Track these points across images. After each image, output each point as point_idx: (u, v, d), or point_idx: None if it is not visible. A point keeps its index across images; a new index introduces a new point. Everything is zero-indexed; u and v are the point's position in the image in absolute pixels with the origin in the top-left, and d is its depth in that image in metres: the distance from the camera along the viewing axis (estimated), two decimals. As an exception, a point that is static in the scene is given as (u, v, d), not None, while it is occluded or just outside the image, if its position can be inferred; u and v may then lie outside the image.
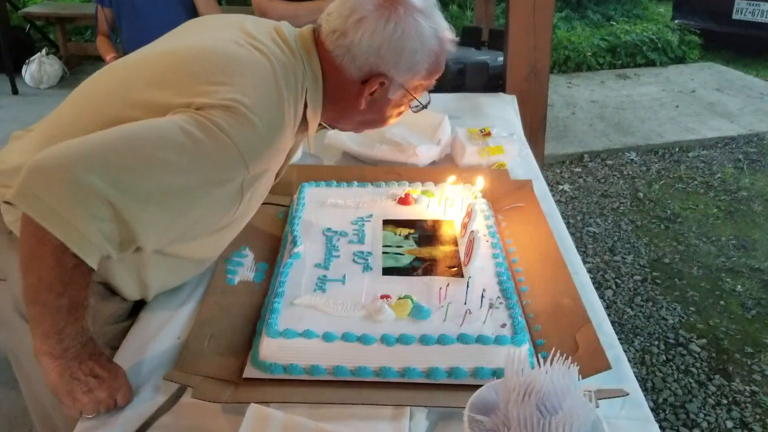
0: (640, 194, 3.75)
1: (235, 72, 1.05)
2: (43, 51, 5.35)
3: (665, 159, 4.23)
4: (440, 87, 3.05)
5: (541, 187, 1.73)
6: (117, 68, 1.18)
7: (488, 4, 5.07)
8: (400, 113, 1.29)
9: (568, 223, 3.43)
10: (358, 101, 1.18)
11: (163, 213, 0.96)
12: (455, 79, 2.97)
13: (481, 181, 1.58)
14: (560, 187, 3.87)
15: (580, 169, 4.11)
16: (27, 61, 5.26)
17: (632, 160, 4.22)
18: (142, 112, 1.01)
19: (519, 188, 1.65)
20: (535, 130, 2.49)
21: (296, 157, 1.83)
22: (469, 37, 3.64)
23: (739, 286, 2.90)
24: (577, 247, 3.22)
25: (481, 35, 3.67)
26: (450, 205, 1.49)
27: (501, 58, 2.63)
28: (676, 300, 2.82)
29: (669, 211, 3.55)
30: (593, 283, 2.87)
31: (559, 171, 4.09)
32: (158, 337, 1.17)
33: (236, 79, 1.03)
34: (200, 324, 1.16)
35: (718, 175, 3.98)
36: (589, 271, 3.00)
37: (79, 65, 5.84)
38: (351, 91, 1.17)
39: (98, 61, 5.82)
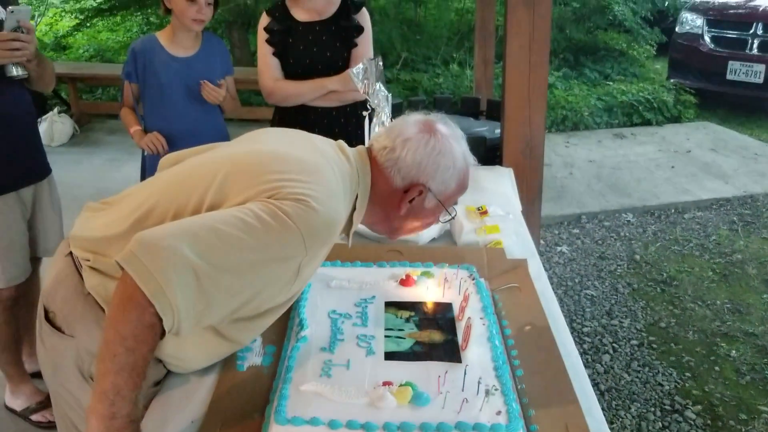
0: (637, 256, 3.83)
1: (306, 171, 1.25)
2: (55, 110, 5.52)
3: (661, 220, 4.32)
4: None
5: (536, 266, 1.81)
6: (200, 162, 1.37)
7: (487, 67, 5.25)
8: (428, 224, 1.52)
9: (566, 286, 3.52)
10: (400, 206, 1.41)
11: (235, 281, 1.11)
12: (455, 151, 3.08)
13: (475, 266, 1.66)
14: (558, 248, 3.96)
15: (577, 230, 4.20)
16: (39, 119, 5.43)
17: (629, 221, 4.31)
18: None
19: (514, 268, 1.73)
20: (531, 200, 2.59)
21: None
22: (468, 107, 3.78)
23: (734, 351, 2.95)
24: (575, 310, 3.31)
25: (479, 105, 3.80)
26: (449, 287, 1.57)
27: (498, 130, 2.74)
28: (672, 365, 2.87)
29: (665, 274, 3.63)
30: (591, 348, 2.93)
31: (557, 232, 4.18)
32: (175, 417, 1.24)
33: (307, 178, 1.23)
34: (213, 412, 1.23)
35: (713, 237, 4.07)
36: (587, 335, 3.07)
37: (89, 123, 6.01)
38: (395, 198, 1.41)
39: (109, 118, 6.00)
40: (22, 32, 2.06)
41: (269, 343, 1.44)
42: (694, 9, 7.23)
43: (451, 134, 1.42)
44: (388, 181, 1.39)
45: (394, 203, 1.41)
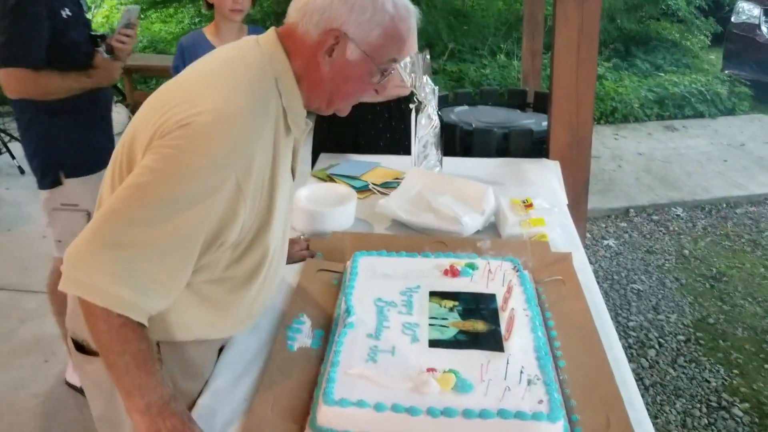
0: (686, 251, 3.77)
1: (190, 89, 1.17)
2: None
3: (712, 215, 4.24)
4: (486, 151, 3.19)
5: (580, 259, 1.82)
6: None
7: (535, 58, 5.19)
8: (364, 87, 1.30)
9: (612, 280, 3.49)
10: (318, 60, 1.22)
11: (168, 238, 1.08)
12: (500, 144, 3.09)
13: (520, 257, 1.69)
14: (605, 241, 3.92)
15: (625, 224, 4.16)
16: (97, 109, 5.62)
17: (678, 215, 4.24)
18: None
19: (559, 261, 1.74)
20: (577, 195, 2.58)
21: (347, 225, 1.99)
22: (514, 99, 3.78)
23: (785, 349, 2.91)
24: (621, 304, 3.29)
25: (526, 97, 3.79)
26: (492, 278, 1.60)
27: (545, 123, 2.74)
28: (720, 362, 2.84)
29: (714, 270, 3.57)
30: (636, 342, 2.92)
31: (604, 225, 4.14)
32: (228, 398, 1.30)
33: (190, 95, 1.14)
34: (264, 388, 1.29)
35: (766, 233, 3.97)
36: (633, 329, 3.05)
37: (143, 112, 6.19)
38: (313, 56, 1.23)
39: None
40: (130, 28, 2.38)
41: (318, 327, 1.49)
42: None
43: None
44: (304, 39, 1.22)
45: (316, 62, 1.23)
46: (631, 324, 3.12)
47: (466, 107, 3.66)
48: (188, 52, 2.71)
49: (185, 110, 1.10)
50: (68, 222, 2.41)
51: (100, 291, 1.06)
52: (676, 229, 4.06)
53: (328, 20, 1.20)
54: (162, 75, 6.59)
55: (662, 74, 7.06)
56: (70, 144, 2.36)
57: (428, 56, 2.30)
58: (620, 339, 2.96)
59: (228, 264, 1.26)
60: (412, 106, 2.30)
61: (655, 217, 4.23)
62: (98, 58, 2.37)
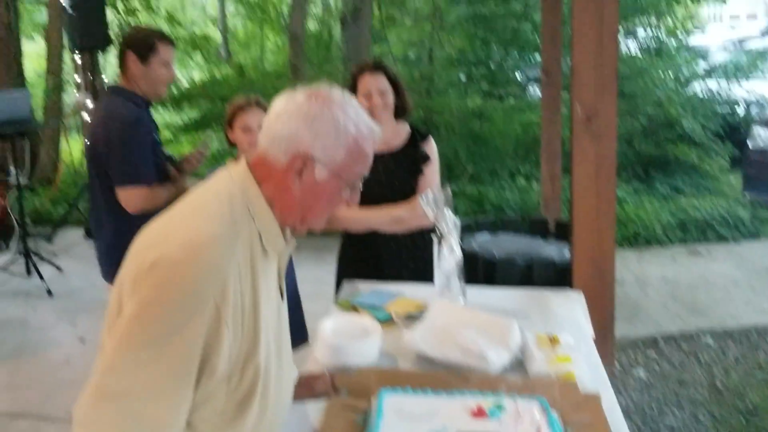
0: (718, 382, 3.65)
1: (161, 230, 1.23)
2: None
3: (743, 344, 4.14)
4: (509, 280, 3.20)
5: (609, 398, 1.78)
6: None
7: (554, 182, 5.29)
8: (335, 202, 1.37)
9: (644, 413, 3.37)
10: (290, 185, 1.29)
11: (171, 383, 1.12)
12: (524, 274, 3.11)
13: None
14: (634, 371, 3.82)
15: (654, 353, 4.06)
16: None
17: (708, 344, 4.14)
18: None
19: (587, 401, 1.70)
20: (603, 328, 2.56)
21: (372, 359, 1.98)
22: (536, 228, 3.84)
23: None
24: (654, 441, 3.13)
25: (547, 226, 3.85)
26: (521, 422, 1.56)
27: (567, 251, 2.76)
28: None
29: (749, 402, 3.43)
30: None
31: (633, 354, 4.05)
32: None
33: (159, 237, 1.20)
34: None
35: None
36: (668, 469, 2.91)
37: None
38: (284, 179, 1.29)
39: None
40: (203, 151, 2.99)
41: (341, 474, 1.45)
42: (765, 123, 7.18)
43: (338, 101, 1.31)
44: (274, 166, 1.29)
45: (287, 185, 1.29)
46: (666, 462, 2.98)
47: (487, 236, 3.72)
48: None
49: (155, 251, 1.15)
50: None
51: None
52: (707, 359, 3.95)
53: (295, 146, 1.27)
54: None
55: (682, 197, 7.13)
56: None
57: (449, 190, 2.37)
58: (656, 478, 2.83)
59: (226, 398, 1.24)
60: (434, 236, 2.35)
61: (684, 346, 4.13)
62: (174, 173, 2.80)
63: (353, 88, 2.64)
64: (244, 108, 2.76)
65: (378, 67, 2.66)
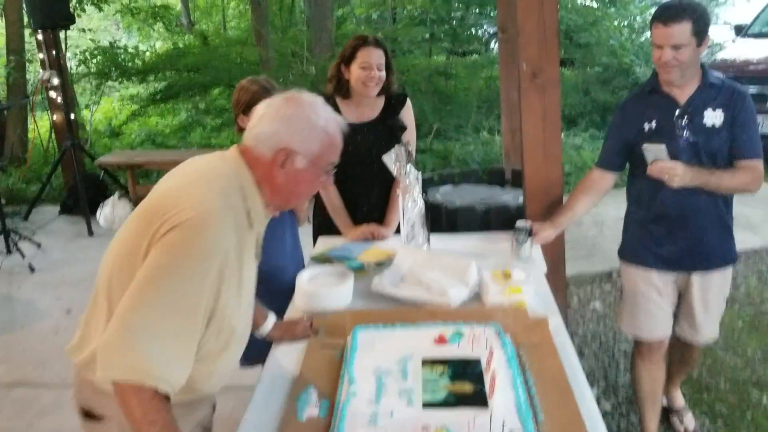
0: (668, 310, 3.96)
1: (177, 197, 1.44)
2: (116, 195, 5.98)
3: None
4: (470, 226, 3.43)
5: (557, 322, 2.02)
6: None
7: (514, 135, 5.47)
8: (315, 184, 1.63)
9: (600, 341, 3.67)
10: (276, 174, 1.54)
11: (178, 316, 1.34)
12: (483, 220, 3.35)
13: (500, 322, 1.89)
14: (591, 305, 4.12)
15: (609, 286, 4.36)
16: (101, 204, 5.88)
17: (659, 276, 4.44)
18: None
19: (536, 325, 1.95)
20: (555, 262, 2.81)
21: (346, 303, 2.20)
22: (494, 178, 4.07)
23: (766, 399, 3.06)
24: (610, 364, 3.43)
25: (504, 175, 4.09)
26: (477, 344, 1.81)
27: (522, 198, 2.99)
28: (704, 413, 2.99)
29: (696, 326, 3.74)
30: (625, 400, 3.06)
31: (589, 289, 4.35)
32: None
33: (178, 202, 1.41)
34: (280, 454, 1.47)
35: (742, 287, 4.18)
36: (622, 386, 3.21)
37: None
38: (272, 170, 1.54)
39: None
40: None
41: (324, 398, 1.68)
42: (713, 66, 7.47)
43: (309, 103, 1.56)
44: (260, 158, 1.53)
45: (273, 174, 1.54)
46: (620, 382, 3.28)
47: (449, 187, 3.94)
48: None
49: (172, 216, 1.38)
50: None
51: (135, 369, 1.29)
52: (659, 288, 4.25)
53: (277, 142, 1.52)
54: (162, 168, 6.91)
55: (638, 141, 7.41)
56: None
57: (410, 147, 2.57)
58: (611, 397, 3.13)
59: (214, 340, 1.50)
60: (398, 191, 2.56)
61: (638, 279, 4.42)
62: None
63: (350, 58, 2.72)
64: (261, 96, 2.80)
65: (379, 43, 2.74)
